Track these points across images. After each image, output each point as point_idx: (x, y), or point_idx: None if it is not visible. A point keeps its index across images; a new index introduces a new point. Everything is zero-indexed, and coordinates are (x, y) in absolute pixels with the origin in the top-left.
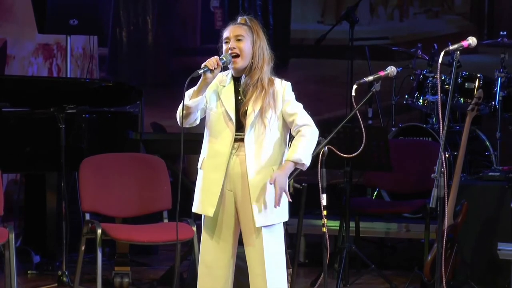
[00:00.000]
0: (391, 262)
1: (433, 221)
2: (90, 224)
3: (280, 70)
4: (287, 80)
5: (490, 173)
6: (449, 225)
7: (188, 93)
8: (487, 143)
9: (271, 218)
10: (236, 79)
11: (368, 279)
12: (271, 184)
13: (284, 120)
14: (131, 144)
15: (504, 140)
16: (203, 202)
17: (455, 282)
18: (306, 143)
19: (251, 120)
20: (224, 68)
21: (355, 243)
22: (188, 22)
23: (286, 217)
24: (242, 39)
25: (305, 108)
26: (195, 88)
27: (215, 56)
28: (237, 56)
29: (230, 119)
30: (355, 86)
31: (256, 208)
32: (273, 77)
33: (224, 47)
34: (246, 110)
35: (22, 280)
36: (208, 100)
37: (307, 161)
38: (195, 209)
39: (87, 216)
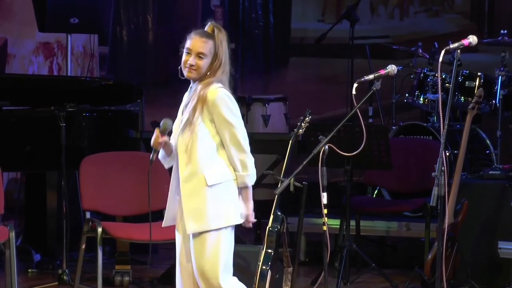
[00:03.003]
0: (392, 261)
1: (433, 219)
2: (90, 223)
3: (280, 68)
4: (287, 80)
5: (490, 172)
6: (449, 224)
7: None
8: (488, 141)
9: (202, 225)
10: (191, 88)
11: (368, 278)
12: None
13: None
14: (132, 143)
15: (505, 138)
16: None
17: (455, 280)
18: (242, 168)
19: (181, 125)
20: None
21: (356, 242)
22: (189, 21)
23: (224, 222)
24: (203, 57)
25: (305, 106)
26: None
27: (156, 131)
28: (194, 70)
29: (178, 128)
30: (355, 85)
31: (187, 215)
32: (211, 83)
33: (184, 57)
34: (183, 111)
35: (23, 278)
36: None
37: (251, 182)
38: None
39: (88, 215)
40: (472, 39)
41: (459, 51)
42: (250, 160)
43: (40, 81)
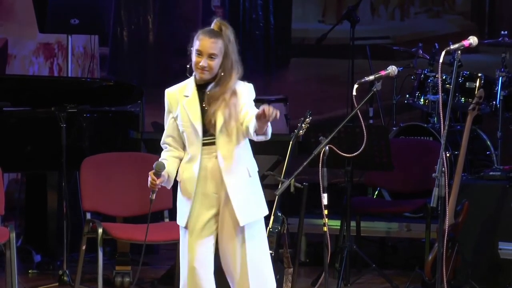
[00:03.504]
0: (392, 262)
1: (434, 220)
2: (91, 224)
3: (281, 69)
4: (287, 81)
5: (491, 173)
6: (450, 225)
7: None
8: (488, 142)
9: (251, 214)
10: (199, 87)
11: (369, 279)
12: (259, 112)
13: None
14: (132, 144)
15: (505, 139)
16: (180, 213)
17: (456, 281)
18: None
19: (218, 129)
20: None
21: (356, 243)
22: (189, 21)
23: (266, 211)
24: (214, 57)
25: (306, 107)
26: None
27: (150, 174)
28: (206, 71)
29: (195, 128)
30: (356, 86)
31: (237, 208)
32: (236, 91)
33: (195, 58)
34: (213, 120)
35: (23, 279)
36: (176, 117)
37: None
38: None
39: (88, 216)
40: (473, 40)
41: (459, 52)
42: None
43: (40, 81)
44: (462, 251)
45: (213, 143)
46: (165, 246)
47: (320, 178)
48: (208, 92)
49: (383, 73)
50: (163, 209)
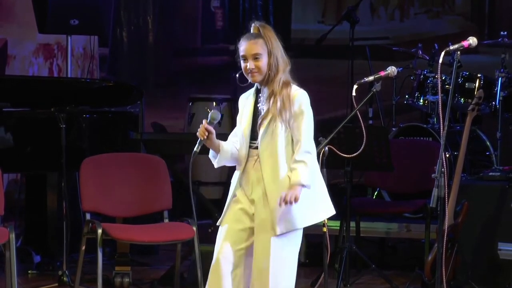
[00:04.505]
0: (392, 262)
1: (433, 221)
2: (90, 224)
3: None
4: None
5: (490, 173)
6: (449, 225)
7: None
8: (488, 143)
9: (286, 225)
10: (258, 91)
11: (368, 279)
12: (279, 205)
13: None
14: (132, 144)
15: (505, 140)
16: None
17: (455, 282)
18: (306, 168)
19: (262, 129)
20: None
21: (356, 243)
22: (189, 22)
23: (304, 223)
24: (259, 57)
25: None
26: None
27: (203, 123)
28: (256, 73)
29: (244, 130)
30: (355, 86)
31: (275, 217)
32: (290, 84)
33: (243, 64)
34: (259, 120)
35: (23, 280)
36: (239, 116)
37: (310, 183)
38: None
39: (88, 216)
40: (472, 40)
41: (459, 52)
42: (312, 159)
43: (40, 82)
44: (462, 251)
45: (256, 148)
46: (164, 246)
47: None
48: (262, 93)
49: (382, 73)
50: (163, 209)
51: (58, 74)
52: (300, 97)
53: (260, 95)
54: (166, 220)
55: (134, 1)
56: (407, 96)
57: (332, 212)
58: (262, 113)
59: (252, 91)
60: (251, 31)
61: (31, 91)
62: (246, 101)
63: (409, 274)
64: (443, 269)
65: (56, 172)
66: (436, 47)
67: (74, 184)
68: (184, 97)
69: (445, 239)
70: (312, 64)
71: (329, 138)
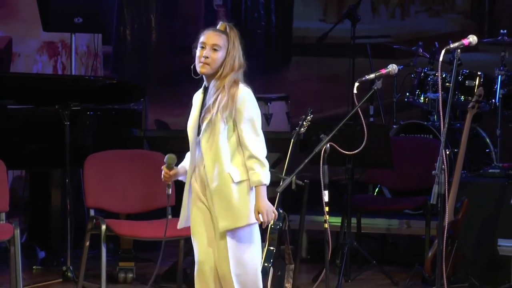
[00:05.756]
0: (392, 258)
1: (433, 217)
2: (94, 220)
3: (282, 68)
4: (289, 79)
5: (490, 170)
6: (449, 222)
7: None
8: (488, 140)
9: (234, 222)
10: (206, 88)
11: (369, 275)
12: (259, 222)
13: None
14: (135, 141)
15: (504, 137)
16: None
17: (455, 277)
18: (262, 167)
19: (204, 124)
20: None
21: (357, 239)
22: (191, 20)
23: (250, 220)
24: (217, 49)
25: (307, 105)
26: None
27: (163, 168)
28: (208, 64)
29: (193, 128)
30: (356, 84)
31: (218, 213)
32: (239, 83)
33: (198, 52)
34: (205, 114)
35: (27, 275)
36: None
37: (267, 181)
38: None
39: (92, 212)
40: (472, 38)
41: (459, 50)
42: (262, 157)
43: (44, 80)
44: (462, 247)
45: None
46: (168, 243)
47: (321, 175)
48: (209, 89)
49: (383, 71)
50: (165, 206)
51: (62, 72)
52: (241, 95)
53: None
54: (170, 216)
55: (137, 0)
56: (407, 94)
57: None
58: (206, 113)
59: (200, 90)
60: (218, 27)
61: (35, 88)
62: (195, 99)
63: (410, 270)
64: (443, 265)
65: (60, 169)
66: (437, 45)
67: (78, 180)
68: (187, 94)
69: (445, 236)
70: (314, 62)
71: (330, 136)
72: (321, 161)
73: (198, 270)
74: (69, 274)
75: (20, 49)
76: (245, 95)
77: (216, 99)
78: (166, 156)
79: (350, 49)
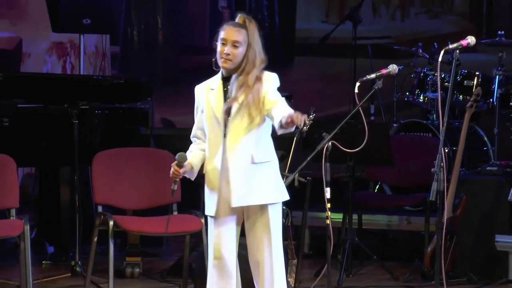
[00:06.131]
0: (393, 254)
1: (433, 214)
2: (102, 216)
3: (285, 67)
4: (292, 79)
5: (488, 168)
6: (448, 218)
7: None
8: (485, 138)
9: (248, 199)
10: (225, 79)
11: (370, 270)
12: (288, 119)
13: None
14: (142, 139)
15: (502, 136)
16: (207, 203)
17: (454, 272)
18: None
19: (232, 116)
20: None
21: (358, 235)
22: (197, 21)
23: (268, 199)
24: (238, 45)
25: (309, 104)
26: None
27: (173, 165)
28: (230, 60)
29: (217, 119)
30: (358, 84)
31: (233, 190)
32: (261, 76)
33: (219, 48)
34: (231, 105)
35: (37, 270)
36: (200, 106)
37: None
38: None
39: (100, 209)
40: (471, 39)
41: (458, 51)
42: None
43: (53, 79)
44: (460, 243)
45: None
46: (174, 238)
47: (323, 172)
48: (232, 82)
49: (384, 71)
50: (172, 202)
51: (71, 72)
52: (269, 77)
53: (228, 84)
54: (175, 213)
55: (144, 1)
56: (407, 93)
57: (286, 197)
58: (233, 105)
59: (212, 81)
60: (236, 20)
61: (45, 88)
62: (206, 91)
63: (409, 265)
64: (442, 260)
65: (69, 166)
66: (436, 46)
67: (86, 178)
68: (192, 93)
69: (444, 231)
70: (316, 62)
71: (332, 134)
72: (323, 159)
73: (220, 262)
74: (77, 268)
75: (30, 49)
76: (270, 75)
77: (242, 95)
78: (178, 154)
79: (352, 50)
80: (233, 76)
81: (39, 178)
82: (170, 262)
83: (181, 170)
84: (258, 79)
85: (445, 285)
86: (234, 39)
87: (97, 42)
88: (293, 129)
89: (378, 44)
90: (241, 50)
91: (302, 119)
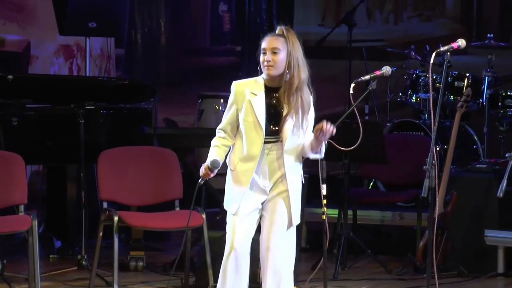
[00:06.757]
0: (386, 248)
1: (425, 209)
2: (107, 212)
3: None
4: None
5: (477, 165)
6: (439, 213)
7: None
8: (475, 137)
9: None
10: (268, 89)
11: (364, 264)
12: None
13: None
14: (146, 138)
15: (491, 134)
16: (229, 199)
17: (445, 266)
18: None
19: (290, 127)
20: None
21: (353, 230)
22: (199, 25)
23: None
24: (277, 52)
25: None
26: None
27: (205, 168)
28: (272, 66)
29: (260, 126)
30: (353, 85)
31: (293, 207)
32: (310, 91)
33: (261, 57)
34: (283, 117)
35: (45, 263)
36: (240, 110)
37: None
38: (225, 205)
39: (105, 205)
40: (461, 42)
41: (449, 53)
42: None
43: (60, 81)
44: (451, 238)
45: (274, 142)
46: (176, 233)
47: (319, 170)
48: (277, 94)
49: (378, 73)
50: (174, 199)
51: (77, 73)
52: (310, 103)
53: (273, 93)
54: (177, 209)
55: (147, 6)
56: (400, 94)
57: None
58: (285, 111)
59: (252, 85)
60: (276, 32)
61: (52, 88)
62: (249, 95)
63: (402, 259)
64: (434, 254)
65: (76, 164)
66: (428, 49)
67: (92, 175)
68: (194, 94)
69: (435, 227)
70: (313, 64)
71: None
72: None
73: (235, 256)
74: (83, 262)
75: (38, 52)
76: (311, 104)
77: (294, 103)
78: (212, 160)
79: (347, 52)
80: (282, 89)
81: (47, 175)
82: (172, 256)
83: (212, 174)
84: (307, 90)
85: (436, 278)
86: (273, 46)
87: (102, 45)
88: (321, 145)
89: (373, 46)
90: (281, 56)
91: (331, 128)
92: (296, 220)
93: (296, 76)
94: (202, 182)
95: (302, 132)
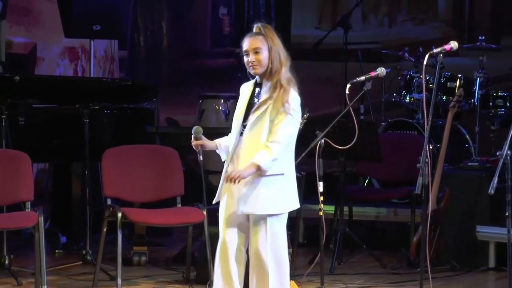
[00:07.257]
0: (381, 243)
1: (418, 206)
2: (111, 208)
3: None
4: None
5: (469, 163)
6: (432, 210)
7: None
8: (467, 136)
9: (253, 207)
10: (257, 85)
11: (360, 258)
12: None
13: None
14: (148, 137)
15: (482, 133)
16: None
17: (438, 261)
18: (270, 155)
19: (254, 117)
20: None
21: (349, 226)
22: (199, 27)
23: (272, 210)
24: (259, 51)
25: (304, 105)
26: None
27: (192, 140)
28: (257, 65)
29: (238, 119)
30: (348, 85)
31: (240, 196)
32: (292, 85)
33: (245, 59)
34: (259, 105)
35: (50, 258)
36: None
37: (267, 168)
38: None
39: (109, 201)
40: (453, 44)
41: (441, 55)
42: (279, 151)
43: (66, 81)
44: (444, 233)
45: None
46: (178, 228)
47: (316, 168)
48: (264, 84)
49: (373, 74)
50: (175, 195)
51: (82, 74)
52: (292, 99)
53: (258, 89)
54: (179, 205)
55: (150, 9)
56: (395, 94)
57: (296, 206)
58: (261, 99)
59: (251, 82)
60: (254, 30)
61: (57, 89)
62: (245, 89)
63: (396, 254)
64: (427, 249)
65: (80, 162)
66: (421, 51)
67: (96, 173)
68: (195, 95)
69: (428, 223)
70: (310, 65)
71: (325, 132)
72: (317, 155)
73: (224, 248)
74: (88, 257)
75: (44, 54)
76: (293, 100)
77: (274, 94)
78: (194, 128)
79: (343, 54)
80: (265, 82)
81: (53, 173)
82: (174, 251)
83: (198, 142)
84: (289, 81)
85: (429, 272)
86: (254, 46)
87: (106, 47)
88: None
89: (368, 49)
90: (264, 55)
91: (234, 178)
92: (246, 209)
93: (281, 69)
94: (201, 157)
95: (270, 125)
